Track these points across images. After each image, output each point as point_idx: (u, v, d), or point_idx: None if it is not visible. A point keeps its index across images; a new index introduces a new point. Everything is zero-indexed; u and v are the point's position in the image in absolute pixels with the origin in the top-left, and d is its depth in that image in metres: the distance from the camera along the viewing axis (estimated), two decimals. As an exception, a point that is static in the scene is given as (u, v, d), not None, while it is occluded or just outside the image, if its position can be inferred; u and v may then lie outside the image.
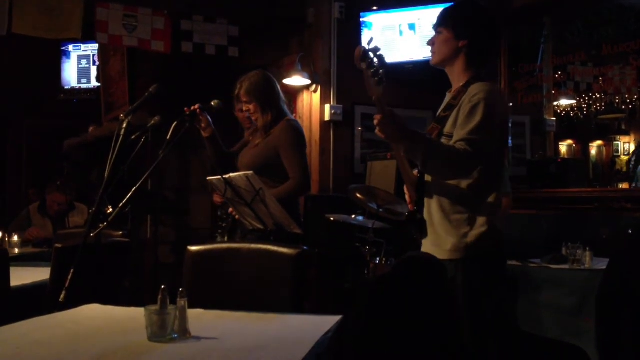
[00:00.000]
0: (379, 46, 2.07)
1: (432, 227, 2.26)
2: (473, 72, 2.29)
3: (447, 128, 2.23)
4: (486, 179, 2.20)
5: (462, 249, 2.18)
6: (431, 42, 2.36)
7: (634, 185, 6.52)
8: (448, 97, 2.35)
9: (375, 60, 2.05)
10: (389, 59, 5.57)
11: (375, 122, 2.09)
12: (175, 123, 2.82)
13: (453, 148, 2.10)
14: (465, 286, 2.16)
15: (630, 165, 7.14)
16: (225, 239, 3.50)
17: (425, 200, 2.29)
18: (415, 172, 2.31)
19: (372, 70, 2.05)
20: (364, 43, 2.07)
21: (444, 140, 2.21)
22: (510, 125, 2.39)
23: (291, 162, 3.21)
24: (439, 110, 2.35)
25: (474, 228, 2.18)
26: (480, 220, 2.19)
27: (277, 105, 3.32)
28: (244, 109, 3.37)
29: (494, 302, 2.26)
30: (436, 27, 2.36)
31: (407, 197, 2.38)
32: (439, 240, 2.23)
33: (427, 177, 2.29)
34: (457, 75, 2.32)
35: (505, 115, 2.27)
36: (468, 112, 2.16)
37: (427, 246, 2.29)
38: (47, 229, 4.92)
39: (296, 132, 3.30)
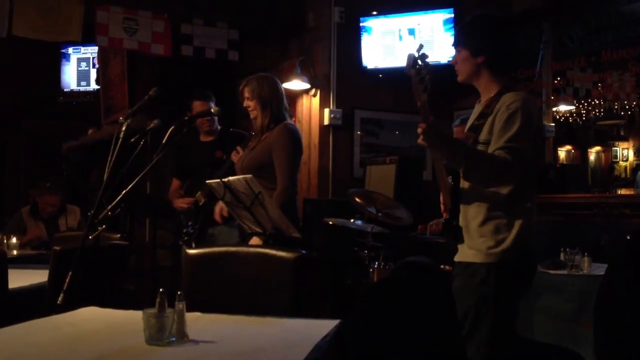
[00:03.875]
0: (426, 53, 2.10)
1: (468, 232, 2.29)
2: (502, 81, 2.32)
3: (482, 136, 2.26)
4: (524, 185, 2.24)
5: (498, 253, 2.21)
6: (454, 61, 2.39)
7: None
8: (479, 107, 2.38)
9: (423, 67, 2.08)
10: (388, 63, 5.61)
11: (419, 130, 2.11)
12: (172, 128, 2.83)
13: (493, 156, 2.14)
14: (496, 291, 2.19)
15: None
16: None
17: (462, 206, 2.32)
18: (449, 179, 2.33)
19: (420, 77, 2.08)
20: (414, 50, 2.10)
21: (479, 147, 2.24)
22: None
23: (281, 165, 3.24)
24: (471, 119, 2.39)
25: (510, 233, 2.21)
26: (517, 225, 2.22)
27: (278, 110, 3.36)
28: (245, 104, 3.41)
29: (517, 307, 2.31)
30: (455, 46, 2.40)
31: (442, 205, 2.41)
32: (475, 244, 2.26)
33: (463, 184, 2.31)
34: (485, 87, 2.35)
35: (540, 122, 2.31)
36: (505, 120, 2.18)
37: (463, 250, 2.32)
38: (41, 231, 4.89)
39: (293, 136, 3.32)
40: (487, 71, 2.32)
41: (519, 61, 2.45)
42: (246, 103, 3.39)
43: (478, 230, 2.26)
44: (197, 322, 1.82)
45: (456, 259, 2.36)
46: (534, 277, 2.41)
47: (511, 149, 2.13)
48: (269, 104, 3.34)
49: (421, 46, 2.10)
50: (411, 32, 5.17)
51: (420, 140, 2.12)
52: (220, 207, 3.57)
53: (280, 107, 3.37)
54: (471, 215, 2.29)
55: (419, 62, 2.08)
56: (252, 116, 3.40)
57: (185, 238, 3.71)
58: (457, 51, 2.38)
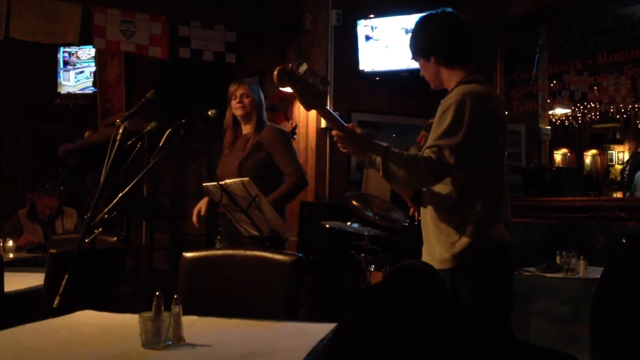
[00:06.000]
0: (302, 61, 2.07)
1: (426, 235, 2.25)
2: (460, 75, 2.24)
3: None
4: (470, 185, 2.13)
5: (449, 259, 2.13)
6: (422, 74, 2.36)
7: (627, 194, 6.55)
8: None
9: (305, 75, 2.03)
10: (385, 66, 5.60)
11: (335, 138, 2.11)
12: (169, 130, 2.83)
13: (413, 157, 2.05)
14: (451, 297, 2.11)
15: (625, 174, 7.15)
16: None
17: (421, 209, 2.29)
18: None
19: (303, 87, 2.02)
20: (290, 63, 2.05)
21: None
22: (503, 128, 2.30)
23: (285, 160, 3.35)
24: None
25: (461, 238, 2.12)
26: (469, 229, 2.11)
27: (263, 113, 3.51)
28: (238, 101, 3.43)
29: (483, 312, 2.21)
30: (413, 59, 2.37)
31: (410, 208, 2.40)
32: (431, 249, 2.21)
33: None
34: (448, 84, 2.29)
35: (484, 115, 2.13)
36: (438, 118, 2.13)
37: (423, 254, 2.28)
38: (38, 234, 4.88)
39: (283, 133, 3.49)
40: (443, 68, 2.26)
41: (464, 51, 2.30)
42: (241, 100, 3.42)
43: (433, 234, 2.19)
44: (194, 325, 1.82)
45: None
46: (506, 282, 2.25)
47: (438, 147, 2.04)
48: (261, 104, 3.48)
49: (293, 56, 2.09)
50: (408, 34, 5.16)
51: (339, 146, 2.14)
52: (198, 208, 3.51)
53: (264, 111, 3.52)
54: (428, 218, 2.23)
55: (297, 72, 2.01)
56: (240, 113, 3.42)
57: (219, 237, 3.71)
58: (417, 62, 2.36)
